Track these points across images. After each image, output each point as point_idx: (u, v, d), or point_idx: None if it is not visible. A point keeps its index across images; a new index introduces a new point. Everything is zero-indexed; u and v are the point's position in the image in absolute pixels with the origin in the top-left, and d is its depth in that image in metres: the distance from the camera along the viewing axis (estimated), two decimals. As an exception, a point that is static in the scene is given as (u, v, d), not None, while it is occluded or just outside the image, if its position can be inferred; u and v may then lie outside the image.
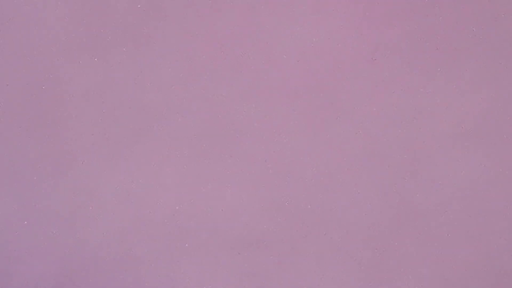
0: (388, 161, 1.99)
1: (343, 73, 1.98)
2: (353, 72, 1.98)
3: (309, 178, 2.00)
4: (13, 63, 2.00)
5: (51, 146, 2.01)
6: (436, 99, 1.98)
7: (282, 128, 2.00)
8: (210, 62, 1.99)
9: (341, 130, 1.99)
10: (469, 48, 1.97)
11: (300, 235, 2.01)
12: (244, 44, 1.99)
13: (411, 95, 1.98)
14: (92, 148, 2.01)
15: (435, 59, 1.97)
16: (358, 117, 1.98)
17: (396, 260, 2.01)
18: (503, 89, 1.97)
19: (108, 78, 2.00)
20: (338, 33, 1.98)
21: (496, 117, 1.97)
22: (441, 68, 1.97)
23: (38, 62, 2.00)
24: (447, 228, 2.00)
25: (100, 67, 2.00)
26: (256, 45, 1.98)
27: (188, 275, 2.03)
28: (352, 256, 2.01)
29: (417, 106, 1.98)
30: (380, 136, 1.99)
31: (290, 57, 1.98)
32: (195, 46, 1.99)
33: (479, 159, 1.98)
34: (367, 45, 1.97)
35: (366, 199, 2.00)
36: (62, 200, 2.02)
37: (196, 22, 1.99)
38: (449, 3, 1.96)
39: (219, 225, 2.02)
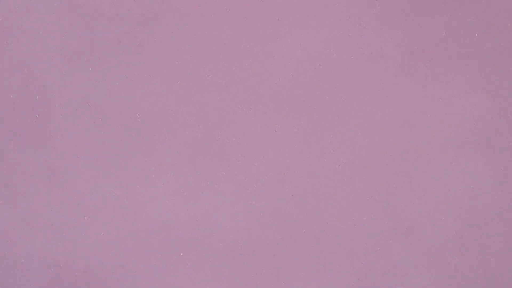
0: (383, 169, 1.99)
1: (338, 82, 1.98)
2: (347, 80, 1.98)
3: (303, 187, 2.00)
4: (6, 73, 2.00)
5: (45, 156, 2.00)
6: (431, 107, 1.98)
7: (276, 137, 1.99)
8: (204, 71, 1.99)
9: (335, 138, 1.99)
10: (464, 54, 1.97)
11: (294, 244, 2.01)
12: (238, 54, 1.99)
13: (406, 103, 1.98)
14: (85, 158, 2.01)
15: (430, 66, 1.97)
16: (353, 126, 1.98)
17: (391, 269, 2.01)
18: (498, 96, 1.97)
19: (102, 88, 2.00)
20: (332, 41, 1.98)
21: (492, 124, 1.97)
22: (435, 75, 1.97)
23: (31, 72, 2.00)
24: (443, 237, 2.00)
25: (94, 77, 2.00)
26: (250, 54, 1.98)
27: (183, 284, 2.03)
28: (346, 264, 2.01)
29: (412, 114, 1.98)
30: (375, 144, 1.99)
31: (284, 66, 1.98)
32: (189, 56, 1.99)
33: (475, 166, 1.98)
34: (362, 54, 1.97)
35: (360, 208, 2.00)
36: (56, 210, 2.02)
37: (190, 32, 1.99)
38: (444, 11, 1.96)
39: (214, 234, 2.02)
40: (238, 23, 1.98)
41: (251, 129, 1.99)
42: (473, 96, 1.97)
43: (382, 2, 1.97)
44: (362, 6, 1.96)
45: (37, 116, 2.00)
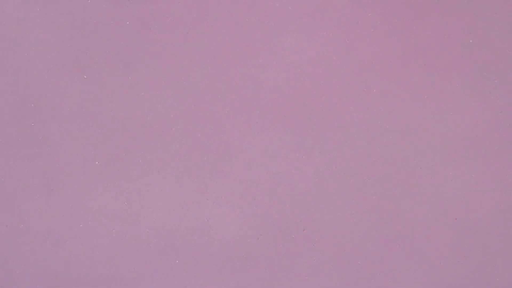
0: (379, 173, 1.99)
1: (335, 86, 1.98)
2: (345, 85, 1.98)
3: (299, 194, 2.00)
4: (2, 81, 2.00)
5: (41, 163, 2.00)
6: (428, 112, 1.98)
7: (273, 144, 2.00)
8: (200, 79, 1.99)
9: (332, 146, 1.99)
10: (460, 63, 1.98)
11: (291, 251, 2.01)
12: (236, 57, 1.99)
13: (403, 108, 1.99)
14: (81, 166, 2.00)
15: (427, 72, 1.97)
16: (350, 130, 1.99)
17: (388, 274, 2.01)
18: (495, 102, 1.97)
19: (98, 95, 2.00)
20: (330, 46, 1.98)
21: (488, 131, 1.98)
22: (432, 81, 1.98)
23: (28, 80, 2.00)
24: (440, 242, 2.00)
25: (89, 85, 1.99)
26: (248, 58, 1.99)
27: (180, 292, 2.03)
28: (343, 271, 2.01)
29: (409, 119, 1.99)
30: (372, 149, 1.99)
31: (282, 70, 1.99)
32: (185, 64, 1.99)
33: (472, 172, 1.99)
34: (359, 59, 1.98)
35: (357, 213, 2.00)
36: (51, 218, 2.01)
37: (186, 40, 1.99)
38: (439, 19, 1.98)
39: (210, 242, 2.01)
40: (235, 27, 1.98)
41: (248, 134, 1.99)
42: (470, 102, 1.98)
43: (380, 8, 1.98)
44: (360, 11, 1.97)
45: (33, 124, 2.00)
